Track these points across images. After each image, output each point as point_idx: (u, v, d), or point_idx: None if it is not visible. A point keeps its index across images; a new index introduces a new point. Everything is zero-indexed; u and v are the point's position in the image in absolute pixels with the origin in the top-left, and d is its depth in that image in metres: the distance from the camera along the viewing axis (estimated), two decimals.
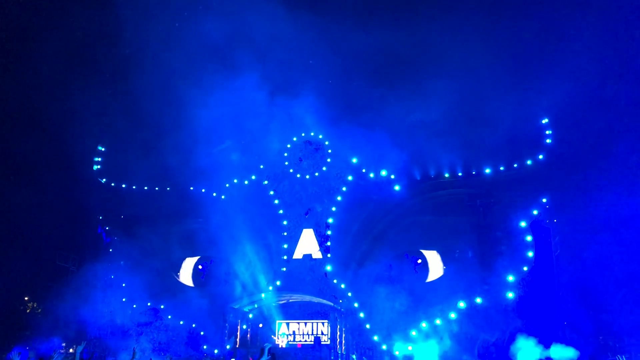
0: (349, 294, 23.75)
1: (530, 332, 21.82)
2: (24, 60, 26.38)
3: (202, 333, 25.51)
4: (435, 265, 24.31)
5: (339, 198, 25.58)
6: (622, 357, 4.79)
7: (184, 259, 27.35)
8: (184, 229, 26.04)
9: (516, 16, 24.72)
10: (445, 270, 23.95)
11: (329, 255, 25.18)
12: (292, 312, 26.31)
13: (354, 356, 23.23)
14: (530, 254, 22.87)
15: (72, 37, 25.16)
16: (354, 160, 25.68)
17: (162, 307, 26.54)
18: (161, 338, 26.33)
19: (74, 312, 25.38)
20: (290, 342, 25.18)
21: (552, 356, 20.46)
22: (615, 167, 21.75)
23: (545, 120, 24.08)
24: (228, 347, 24.29)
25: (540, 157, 23.63)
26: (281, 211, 26.19)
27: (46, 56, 24.64)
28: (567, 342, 20.96)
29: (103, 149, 29.33)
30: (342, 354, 23.04)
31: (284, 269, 25.26)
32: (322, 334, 25.11)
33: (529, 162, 23.75)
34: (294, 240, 25.73)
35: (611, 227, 20.85)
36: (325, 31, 24.74)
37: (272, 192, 26.53)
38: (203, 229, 25.69)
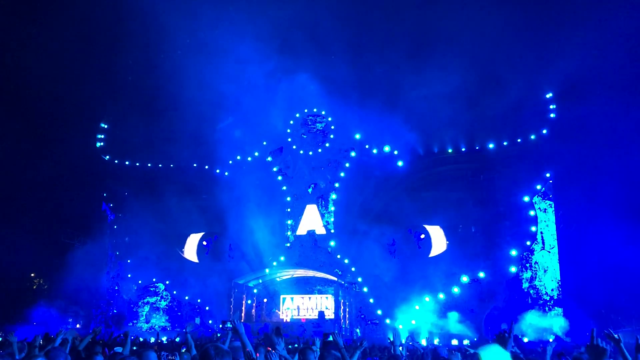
0: (353, 269, 23.92)
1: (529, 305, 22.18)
2: (25, 37, 26.22)
3: (207, 308, 25.78)
4: (438, 240, 24.39)
5: (342, 174, 25.66)
6: (609, 331, 4.72)
7: (188, 235, 27.48)
8: (187, 206, 26.10)
9: None
10: (448, 245, 24.04)
11: (332, 230, 25.34)
12: (296, 287, 26.50)
13: (357, 330, 23.45)
14: (534, 228, 23.00)
15: (76, 14, 24.95)
16: (357, 136, 25.69)
17: (167, 282, 26.81)
18: (167, 313, 26.67)
19: (80, 288, 25.65)
20: (294, 317, 25.40)
21: (554, 327, 20.74)
22: (618, 141, 21.70)
23: (549, 95, 23.96)
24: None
25: (544, 131, 23.58)
26: (285, 187, 26.31)
27: (49, 33, 24.47)
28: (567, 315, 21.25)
29: (106, 126, 29.30)
30: (346, 327, 23.25)
31: (288, 244, 25.43)
32: (326, 308, 25.31)
33: (532, 136, 23.71)
34: (297, 216, 25.88)
35: (614, 201, 20.84)
36: (329, 5, 24.55)
37: (275, 169, 26.61)
38: (207, 206, 25.85)
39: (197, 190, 26.27)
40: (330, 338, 6.72)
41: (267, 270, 25.15)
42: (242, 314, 25.48)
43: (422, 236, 24.68)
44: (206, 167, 27.58)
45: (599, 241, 20.52)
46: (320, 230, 25.43)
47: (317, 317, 24.32)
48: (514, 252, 22.56)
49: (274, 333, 18.17)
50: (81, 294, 26.14)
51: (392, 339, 7.48)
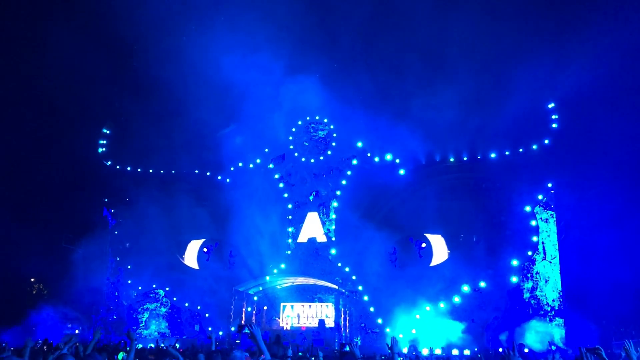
0: (354, 277, 23.87)
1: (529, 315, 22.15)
2: (31, 42, 26.32)
3: (207, 315, 25.72)
4: (439, 249, 24.35)
5: (343, 182, 25.64)
6: (630, 343, 4.82)
7: (189, 241, 27.45)
8: (189, 212, 26.08)
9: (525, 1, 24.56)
10: (449, 254, 23.99)
11: (333, 238, 25.30)
12: (296, 294, 26.42)
13: (357, 340, 23.35)
14: (535, 238, 22.97)
15: (79, 19, 25.07)
16: (359, 144, 25.71)
17: (167, 289, 26.77)
18: (167, 320, 26.62)
19: (80, 293, 25.66)
20: (294, 325, 25.31)
21: (555, 337, 20.65)
22: (620, 152, 21.72)
23: (551, 105, 24.00)
24: (233, 329, 24.47)
25: (546, 141, 23.59)
26: (286, 194, 26.28)
27: (54, 38, 24.57)
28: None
29: (108, 132, 29.34)
30: (346, 336, 23.17)
31: (289, 252, 25.39)
32: (327, 316, 25.22)
33: (534, 146, 23.71)
34: (298, 223, 25.84)
35: (616, 212, 20.84)
36: (332, 13, 24.66)
37: (277, 176, 26.61)
38: (208, 212, 25.85)
39: (199, 197, 26.20)
40: (347, 348, 6.70)
41: (267, 278, 25.09)
42: (242, 322, 25.40)
43: (423, 245, 24.62)
44: (208, 173, 27.60)
45: (601, 251, 20.51)
46: (321, 238, 25.37)
47: (317, 326, 24.22)
48: (515, 262, 22.51)
49: (274, 341, 18.15)
50: (81, 299, 26.12)
51: (390, 345, 7.29)
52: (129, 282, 27.16)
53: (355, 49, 25.77)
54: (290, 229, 25.88)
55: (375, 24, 25.80)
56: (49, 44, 24.70)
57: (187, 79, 25.23)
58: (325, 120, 26.66)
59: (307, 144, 26.65)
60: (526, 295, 22.90)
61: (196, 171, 27.67)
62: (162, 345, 20.37)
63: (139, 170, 28.33)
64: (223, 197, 25.22)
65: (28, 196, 27.59)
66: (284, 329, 24.90)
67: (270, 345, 17.05)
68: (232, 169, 27.00)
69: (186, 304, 26.35)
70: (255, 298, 26.76)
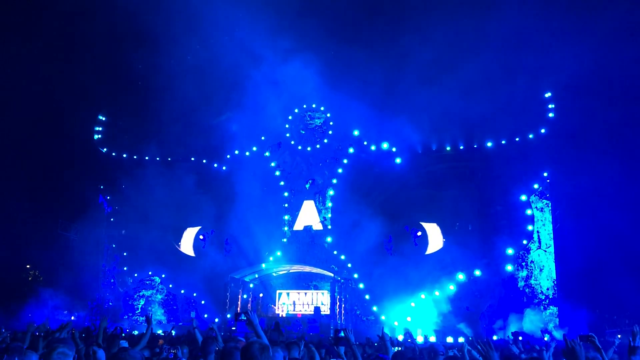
0: (349, 265, 23.95)
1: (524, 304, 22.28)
2: (28, 28, 26.11)
3: (202, 302, 25.79)
4: (435, 237, 24.39)
5: (340, 170, 25.66)
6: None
7: (185, 228, 27.44)
8: (185, 199, 26.07)
9: None
10: (445, 243, 24.05)
11: (329, 226, 25.36)
12: (292, 282, 26.50)
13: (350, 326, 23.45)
14: (530, 227, 23.07)
15: (77, 5, 24.84)
16: (356, 132, 25.69)
17: (163, 276, 26.80)
18: (163, 307, 26.68)
19: (75, 280, 25.66)
20: (290, 312, 25.41)
21: (549, 326, 20.79)
22: (617, 141, 21.75)
23: (548, 94, 23.98)
24: (229, 316, 24.54)
25: (542, 130, 23.59)
26: (282, 182, 26.30)
27: (49, 24, 24.39)
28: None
29: (104, 119, 29.22)
30: (341, 323, 23.25)
31: (285, 239, 25.45)
32: (322, 304, 25.30)
33: (530, 135, 23.73)
34: (294, 211, 25.88)
35: (611, 201, 20.91)
36: (329, 1, 24.53)
37: (273, 164, 26.59)
38: (204, 200, 25.82)
39: (195, 184, 26.15)
40: (342, 334, 6.67)
41: (263, 265, 25.16)
42: (238, 309, 25.45)
43: (419, 233, 24.63)
44: (204, 161, 27.58)
45: (595, 241, 20.57)
46: (317, 226, 25.43)
47: (312, 313, 24.31)
48: (510, 251, 22.64)
49: (273, 329, 18.12)
50: (77, 286, 26.12)
51: (381, 335, 7.25)
52: (125, 269, 27.23)
53: (353, 37, 25.65)
54: (286, 217, 25.93)
55: (372, 12, 25.70)
56: (46, 29, 24.52)
57: (184, 66, 25.12)
58: (322, 109, 26.63)
59: (303, 132, 26.63)
60: (521, 283, 23.04)
61: (192, 159, 27.64)
62: (159, 331, 20.47)
63: (135, 157, 28.27)
64: (219, 184, 25.26)
65: (24, 182, 27.46)
66: (280, 316, 24.98)
67: (270, 332, 17.14)
68: (228, 156, 27.01)
69: (182, 291, 26.43)
70: (251, 285, 26.83)
